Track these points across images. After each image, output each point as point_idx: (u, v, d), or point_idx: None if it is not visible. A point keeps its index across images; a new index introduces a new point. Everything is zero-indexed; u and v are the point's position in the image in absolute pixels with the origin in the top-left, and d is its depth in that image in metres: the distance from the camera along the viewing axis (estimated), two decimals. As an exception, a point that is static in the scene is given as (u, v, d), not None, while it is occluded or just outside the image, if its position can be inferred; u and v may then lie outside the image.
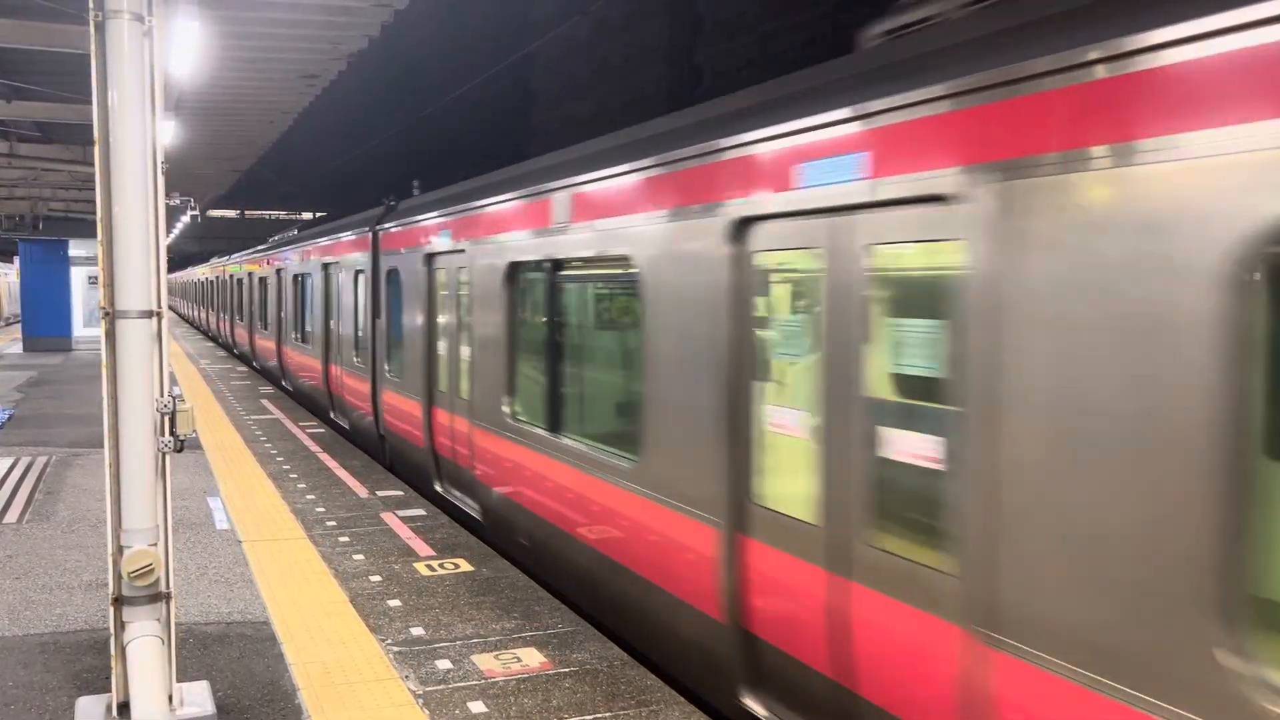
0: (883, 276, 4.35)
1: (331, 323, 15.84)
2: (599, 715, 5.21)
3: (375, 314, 13.01)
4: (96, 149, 4.61)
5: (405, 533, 8.82)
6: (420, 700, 5.33)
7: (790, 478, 4.95)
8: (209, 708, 5.00)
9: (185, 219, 34.37)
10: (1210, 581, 2.94)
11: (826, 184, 4.55)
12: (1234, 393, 2.90)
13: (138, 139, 4.59)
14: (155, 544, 4.71)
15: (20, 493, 10.43)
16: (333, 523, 9.18)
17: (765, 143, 5.03)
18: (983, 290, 3.69)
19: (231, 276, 30.33)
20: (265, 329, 22.81)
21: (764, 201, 5.04)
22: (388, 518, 9.38)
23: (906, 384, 4.35)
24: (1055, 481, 3.43)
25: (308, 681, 5.59)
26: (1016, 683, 3.57)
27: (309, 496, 10.27)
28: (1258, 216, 2.81)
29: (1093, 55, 3.28)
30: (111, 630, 4.77)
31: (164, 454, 4.74)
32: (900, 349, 4.36)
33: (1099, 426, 3.26)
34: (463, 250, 9.71)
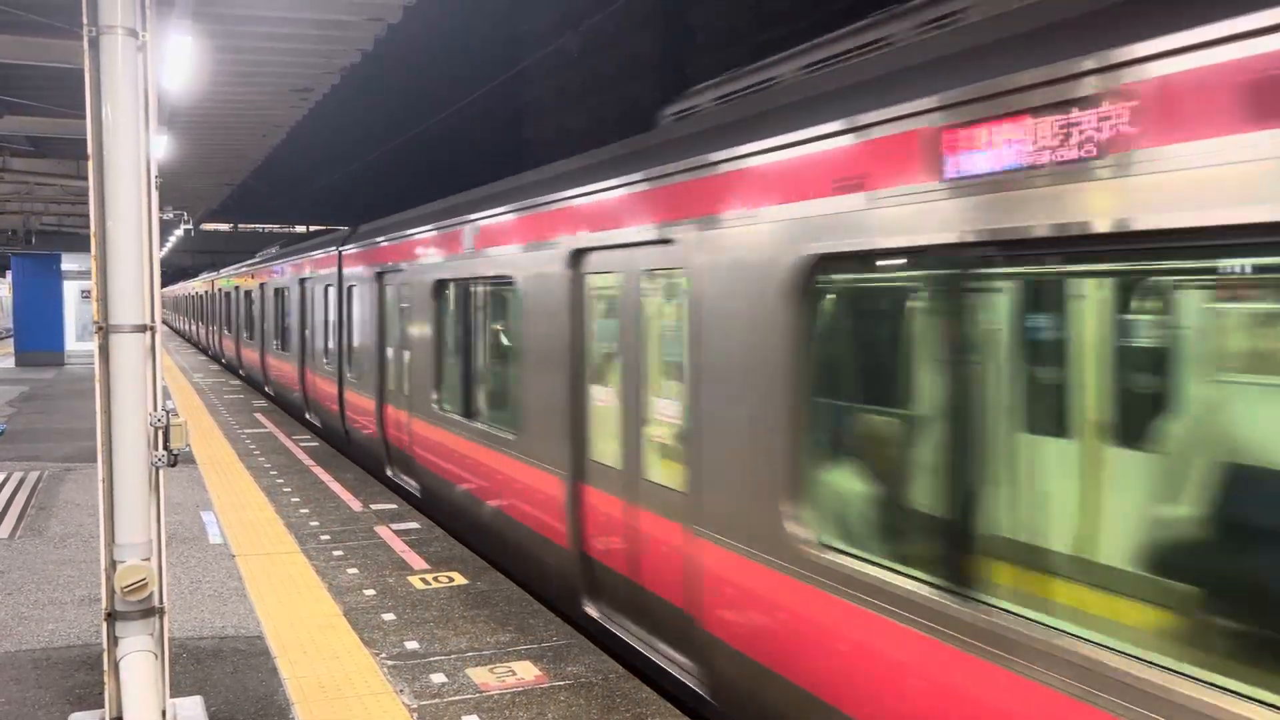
0: None
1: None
2: (594, 728, 5.20)
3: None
4: (90, 163, 4.62)
5: (399, 546, 8.80)
6: (415, 714, 5.31)
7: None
8: (202, 723, 4.98)
9: (179, 232, 34.35)
10: None
11: None
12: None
13: (131, 153, 4.60)
14: (148, 559, 4.69)
15: (13, 508, 10.39)
16: (326, 536, 9.16)
17: None
18: None
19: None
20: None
21: None
22: (381, 531, 9.36)
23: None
24: None
25: (302, 696, 5.57)
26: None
27: (302, 510, 10.25)
28: None
29: None
30: (104, 645, 4.75)
31: (157, 468, 4.74)
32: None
33: None
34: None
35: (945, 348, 3.95)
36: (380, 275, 12.74)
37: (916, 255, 4.05)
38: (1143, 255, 3.34)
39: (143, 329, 4.66)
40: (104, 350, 4.62)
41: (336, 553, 8.58)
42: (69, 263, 31.31)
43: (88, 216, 4.69)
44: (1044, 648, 3.37)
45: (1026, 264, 3.76)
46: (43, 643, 6.45)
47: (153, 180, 4.76)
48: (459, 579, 7.81)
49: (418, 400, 10.97)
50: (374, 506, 10.44)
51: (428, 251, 10.77)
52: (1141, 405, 3.54)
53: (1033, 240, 3.48)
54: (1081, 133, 3.30)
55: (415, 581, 7.73)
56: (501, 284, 8.69)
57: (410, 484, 11.40)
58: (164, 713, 4.69)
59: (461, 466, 9.59)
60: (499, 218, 8.57)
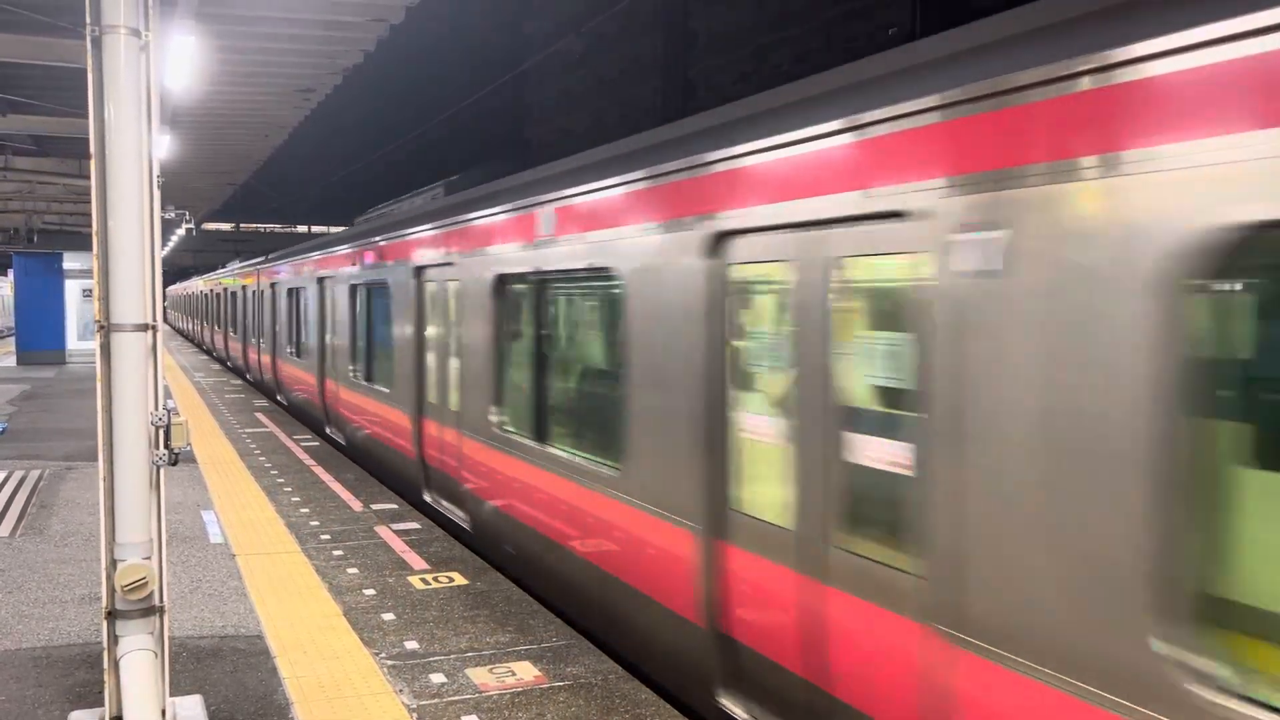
0: None
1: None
2: (593, 729, 5.20)
3: None
4: (92, 163, 4.63)
5: (399, 546, 8.80)
6: (414, 714, 5.32)
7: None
8: (202, 722, 4.98)
9: (180, 232, 34.38)
10: None
11: None
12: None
13: (133, 153, 4.60)
14: (149, 558, 4.70)
15: (13, 506, 10.40)
16: (326, 536, 9.17)
17: None
18: None
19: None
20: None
21: None
22: (381, 531, 9.36)
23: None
24: None
25: (301, 696, 5.57)
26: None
27: (303, 510, 10.26)
28: None
29: None
30: (104, 644, 4.76)
31: (158, 467, 4.74)
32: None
33: None
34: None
35: (524, 323, 8.24)
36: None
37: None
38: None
39: (144, 328, 4.66)
40: (105, 349, 4.63)
41: (336, 552, 8.59)
42: (71, 261, 31.32)
43: (90, 215, 4.70)
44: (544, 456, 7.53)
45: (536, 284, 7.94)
46: (43, 641, 6.45)
47: (155, 179, 4.77)
48: (459, 579, 7.81)
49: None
50: (374, 506, 10.44)
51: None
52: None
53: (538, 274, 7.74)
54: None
55: (415, 581, 7.74)
56: (380, 286, 12.60)
57: None
58: (164, 711, 4.70)
59: None
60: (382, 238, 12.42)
